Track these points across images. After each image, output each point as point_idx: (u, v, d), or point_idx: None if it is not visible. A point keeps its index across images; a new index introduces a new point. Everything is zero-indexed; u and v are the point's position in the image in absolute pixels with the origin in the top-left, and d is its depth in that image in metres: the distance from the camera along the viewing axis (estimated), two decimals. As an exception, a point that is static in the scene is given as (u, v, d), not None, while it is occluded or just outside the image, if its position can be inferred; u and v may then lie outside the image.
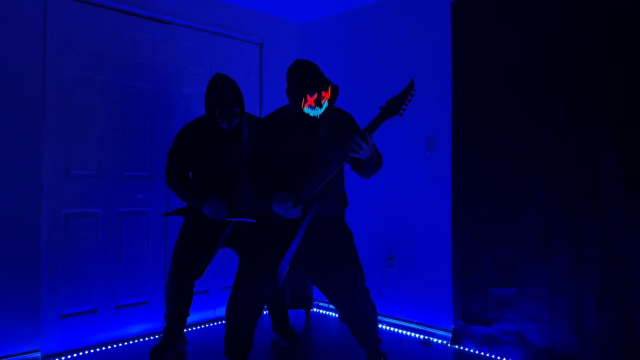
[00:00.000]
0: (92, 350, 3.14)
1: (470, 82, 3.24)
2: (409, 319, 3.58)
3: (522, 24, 3.01)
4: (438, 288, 3.41)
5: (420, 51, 3.55)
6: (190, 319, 3.13)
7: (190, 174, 2.92)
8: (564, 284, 2.83)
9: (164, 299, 3.11)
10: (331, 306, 3.95)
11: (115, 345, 3.25)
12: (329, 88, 2.25)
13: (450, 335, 3.31)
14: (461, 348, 3.22)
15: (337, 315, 3.86)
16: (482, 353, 3.12)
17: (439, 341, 3.35)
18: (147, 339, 3.39)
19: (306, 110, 2.21)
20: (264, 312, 3.69)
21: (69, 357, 3.05)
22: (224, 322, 3.63)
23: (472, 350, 3.17)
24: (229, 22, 3.87)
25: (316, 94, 2.19)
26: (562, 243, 2.84)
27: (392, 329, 3.56)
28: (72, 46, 3.14)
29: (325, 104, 2.24)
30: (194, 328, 3.59)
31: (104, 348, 3.20)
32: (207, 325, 3.69)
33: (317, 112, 2.22)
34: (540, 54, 2.94)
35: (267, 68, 4.14)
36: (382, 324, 3.61)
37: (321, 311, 4.03)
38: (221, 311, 3.83)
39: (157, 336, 3.42)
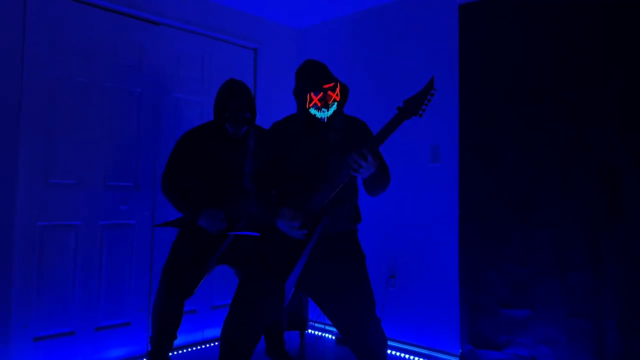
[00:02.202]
0: (67, 377, 2.88)
1: (479, 87, 3.09)
2: (413, 342, 3.37)
3: (534, 26, 2.87)
4: (444, 308, 3.20)
5: (424, 56, 3.40)
6: (176, 341, 2.88)
7: (187, 182, 2.72)
8: (582, 305, 2.65)
9: (150, 318, 2.87)
10: (327, 327, 3.72)
11: (93, 371, 2.98)
12: (337, 88, 2.08)
13: None
14: (470, 374, 2.99)
15: (333, 337, 3.63)
16: (493, 380, 2.90)
17: (446, 366, 3.13)
18: (128, 363, 3.13)
19: (312, 111, 2.06)
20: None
21: (41, 384, 2.77)
22: (216, 344, 3.40)
23: (482, 377, 2.95)
24: (222, 25, 3.69)
25: (322, 92, 2.05)
26: (580, 259, 2.66)
27: (394, 352, 3.33)
28: (54, 45, 2.93)
29: (334, 106, 2.07)
30: (180, 351, 3.34)
31: (80, 374, 2.93)
32: (194, 348, 3.44)
33: (324, 114, 2.06)
34: (553, 57, 2.79)
35: (262, 74, 3.95)
36: (384, 347, 3.37)
37: (317, 332, 3.80)
38: (210, 333, 3.58)
39: (139, 361, 3.17)
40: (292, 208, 1.99)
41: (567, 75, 2.74)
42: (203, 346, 3.49)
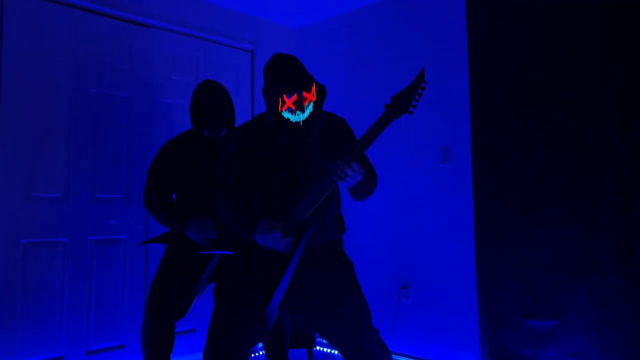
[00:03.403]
0: (55, 407, 2.66)
1: (491, 83, 2.91)
2: (428, 357, 3.14)
3: (549, 16, 2.68)
4: (461, 320, 2.98)
5: (429, 53, 3.21)
6: (173, 365, 2.66)
7: (174, 195, 2.55)
8: (615, 312, 2.44)
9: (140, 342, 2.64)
10: (337, 343, 3.49)
11: (84, 400, 2.77)
12: (313, 88, 1.86)
13: (478, 375, 2.87)
14: (493, 391, 2.77)
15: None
16: (520, 397, 2.67)
17: (466, 383, 2.90)
18: (122, 389, 2.92)
19: (285, 114, 1.83)
20: (261, 353, 3.26)
21: (26, 417, 2.54)
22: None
23: (506, 394, 2.72)
24: (216, 26, 3.52)
25: (295, 94, 1.81)
26: (610, 262, 2.45)
27: (409, 369, 3.11)
28: (35, 49, 2.76)
29: (309, 108, 1.85)
30: (178, 374, 3.10)
31: (70, 403, 2.71)
32: (194, 371, 3.21)
33: (299, 118, 1.83)
34: (571, 50, 2.60)
35: (260, 76, 3.76)
36: (397, 364, 3.16)
37: (325, 349, 3.57)
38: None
39: (134, 386, 2.95)
40: (271, 219, 1.78)
41: (587, 70, 2.56)
42: (203, 368, 3.26)
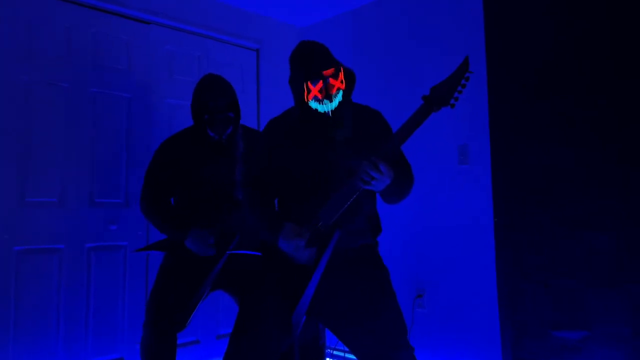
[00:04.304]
0: None
1: (510, 78, 2.73)
2: (446, 370, 2.94)
3: (572, 8, 2.52)
4: (481, 331, 2.79)
5: (442, 49, 3.05)
6: (176, 379, 2.49)
7: (172, 199, 2.38)
8: (651, 322, 2.24)
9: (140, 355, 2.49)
10: (347, 355, 3.31)
11: (80, 417, 2.60)
12: (340, 74, 1.72)
13: (501, 391, 2.67)
14: (518, 408, 2.57)
15: (355, 367, 3.22)
16: (547, 414, 2.48)
17: (487, 399, 2.71)
18: (122, 406, 2.76)
19: (312, 104, 1.69)
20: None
21: None
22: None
23: (532, 411, 2.53)
24: (220, 23, 3.38)
25: (321, 81, 1.68)
26: (642, 268, 2.26)
27: (425, 383, 2.92)
28: (29, 46, 2.63)
29: (339, 96, 1.71)
30: (181, 389, 2.93)
31: (65, 421, 2.55)
32: (198, 385, 3.04)
33: (327, 107, 1.69)
34: (599, 43, 2.43)
35: (265, 77, 3.63)
36: (413, 377, 2.96)
37: (335, 361, 3.39)
38: (215, 366, 3.19)
39: (135, 402, 2.79)
40: (296, 223, 1.65)
41: (614, 64, 2.39)
42: (208, 382, 3.10)
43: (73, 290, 2.70)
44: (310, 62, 1.70)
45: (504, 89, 2.75)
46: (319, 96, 1.67)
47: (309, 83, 1.67)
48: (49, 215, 2.65)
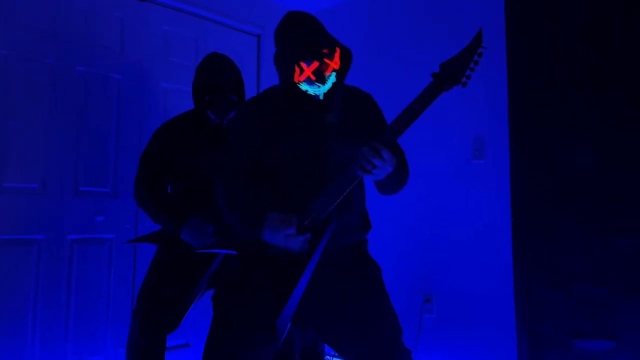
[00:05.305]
0: None
1: (532, 65, 2.54)
2: (455, 381, 2.75)
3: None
4: (495, 340, 2.60)
5: (460, 33, 2.81)
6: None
7: (169, 187, 2.24)
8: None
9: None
10: (348, 363, 3.11)
11: None
12: (337, 53, 1.54)
13: (516, 405, 2.48)
14: None
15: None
16: None
17: (501, 413, 2.51)
18: (103, 414, 2.55)
19: (303, 86, 1.52)
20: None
21: None
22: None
23: None
24: (220, 5, 3.21)
25: (316, 62, 1.50)
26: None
27: (433, 395, 2.72)
28: (11, 20, 2.41)
29: (332, 78, 1.54)
30: (168, 397, 2.72)
31: None
32: (186, 392, 2.83)
33: (319, 90, 1.53)
34: (628, 31, 2.25)
35: (266, 65, 3.43)
36: (419, 388, 2.77)
37: (335, 370, 3.19)
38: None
39: (117, 410, 2.58)
40: (280, 212, 1.49)
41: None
42: (197, 389, 2.87)
43: (52, 286, 2.48)
44: (302, 39, 1.50)
45: (526, 76, 2.56)
46: (312, 78, 1.50)
47: (301, 63, 1.48)
48: (28, 203, 2.43)
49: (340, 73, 1.57)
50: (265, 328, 1.47)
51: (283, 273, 1.48)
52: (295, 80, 1.51)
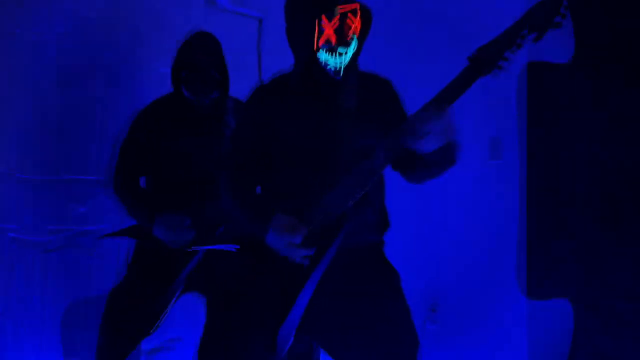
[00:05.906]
0: None
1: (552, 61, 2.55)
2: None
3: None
4: (507, 357, 2.66)
5: (478, 24, 2.77)
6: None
7: (144, 178, 2.25)
8: None
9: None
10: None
11: None
12: (358, 14, 1.48)
13: None
14: None
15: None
16: None
17: None
18: None
19: (322, 56, 1.45)
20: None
21: None
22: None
23: None
24: (218, -14, 3.10)
25: (338, 16, 1.44)
26: None
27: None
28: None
29: (353, 46, 1.48)
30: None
31: None
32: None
33: (339, 60, 1.46)
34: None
35: (268, 50, 3.31)
36: (422, 405, 2.73)
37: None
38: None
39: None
40: (289, 214, 1.45)
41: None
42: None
43: (24, 284, 2.42)
44: None
45: (545, 72, 2.58)
46: (333, 41, 1.43)
47: (323, 17, 1.40)
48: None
49: (360, 39, 1.50)
50: (265, 339, 1.42)
51: (288, 277, 1.42)
52: (314, 47, 1.43)
